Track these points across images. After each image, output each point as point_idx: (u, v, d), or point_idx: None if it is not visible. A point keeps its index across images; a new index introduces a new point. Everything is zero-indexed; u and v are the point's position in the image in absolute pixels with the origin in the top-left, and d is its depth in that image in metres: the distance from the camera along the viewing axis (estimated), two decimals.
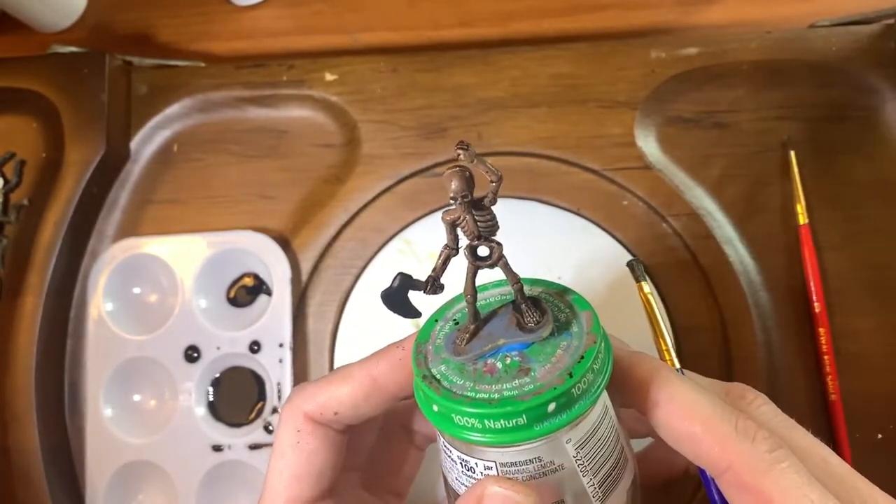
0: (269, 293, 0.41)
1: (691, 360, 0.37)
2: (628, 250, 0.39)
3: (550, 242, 0.39)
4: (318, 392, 0.26)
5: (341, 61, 0.42)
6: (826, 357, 0.37)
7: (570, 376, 0.20)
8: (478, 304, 0.23)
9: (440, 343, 0.23)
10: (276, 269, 0.39)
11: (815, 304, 0.37)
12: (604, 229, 0.39)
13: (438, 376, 0.22)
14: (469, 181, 0.20)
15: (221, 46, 0.48)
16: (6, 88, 0.42)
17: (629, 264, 0.28)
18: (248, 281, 0.41)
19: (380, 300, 0.23)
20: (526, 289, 0.23)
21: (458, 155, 0.19)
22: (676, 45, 0.41)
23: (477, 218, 0.21)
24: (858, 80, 0.40)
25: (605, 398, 0.22)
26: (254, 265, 0.41)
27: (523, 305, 0.22)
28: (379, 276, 0.40)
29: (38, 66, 0.42)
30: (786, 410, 0.37)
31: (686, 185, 0.39)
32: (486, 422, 0.20)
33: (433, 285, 0.22)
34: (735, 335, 0.37)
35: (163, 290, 0.41)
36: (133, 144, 0.42)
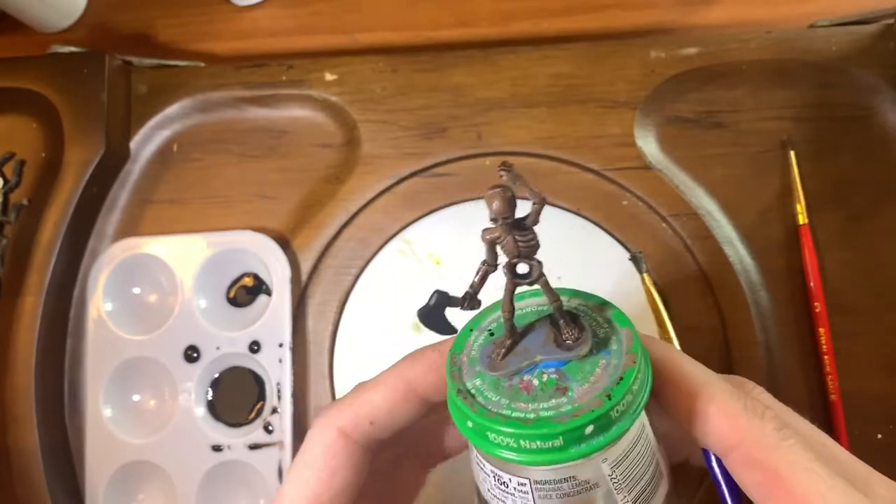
0: (268, 293, 0.41)
1: None
2: (628, 250, 0.39)
3: (550, 242, 0.39)
4: (352, 404, 0.25)
5: (341, 61, 0.42)
6: (826, 357, 0.37)
7: (609, 398, 0.20)
8: (515, 315, 0.23)
9: (475, 355, 0.22)
10: (275, 269, 0.39)
11: (815, 304, 0.37)
12: (604, 229, 0.39)
13: (473, 391, 0.21)
14: (511, 202, 0.19)
15: (221, 46, 0.48)
16: (6, 88, 0.42)
17: (633, 257, 0.28)
18: (248, 281, 0.41)
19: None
20: (564, 301, 0.23)
21: (501, 176, 0.19)
22: (676, 45, 0.41)
23: (518, 238, 0.20)
24: (858, 80, 0.40)
25: (643, 416, 0.22)
26: (254, 265, 0.41)
27: (561, 321, 0.22)
28: (379, 276, 0.40)
29: (38, 66, 0.42)
30: None
31: (686, 185, 0.39)
32: (521, 442, 0.20)
33: (471, 301, 0.22)
34: (735, 335, 0.37)
35: (163, 290, 0.41)
36: (133, 144, 0.42)
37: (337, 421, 0.25)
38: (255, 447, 0.38)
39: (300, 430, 0.38)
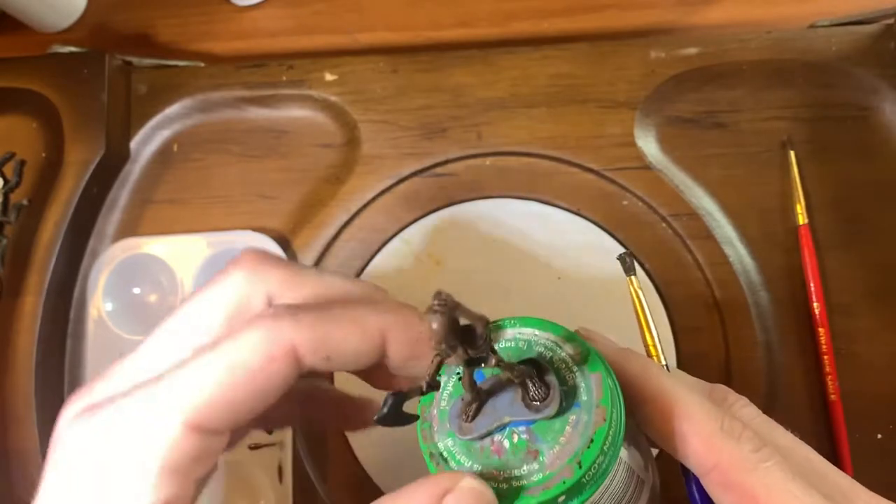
0: None
1: (691, 360, 0.37)
2: (627, 250, 0.39)
3: (550, 242, 0.39)
4: (322, 329, 0.20)
5: (341, 61, 0.42)
6: (826, 357, 0.37)
7: (580, 466, 0.19)
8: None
9: (444, 406, 0.22)
10: None
11: (815, 304, 0.37)
12: (604, 229, 0.39)
13: (445, 454, 0.21)
14: (450, 329, 0.18)
15: (221, 46, 0.48)
16: (6, 88, 0.42)
17: (620, 258, 0.28)
18: None
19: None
20: (533, 338, 0.22)
21: (434, 307, 0.17)
22: (676, 45, 0.41)
23: (469, 350, 0.19)
24: (858, 80, 0.40)
25: (621, 451, 0.21)
26: None
27: (528, 381, 0.21)
28: (379, 276, 0.40)
29: (38, 66, 0.42)
30: (786, 410, 0.37)
31: (686, 185, 0.39)
32: None
33: (429, 388, 0.21)
34: (735, 335, 0.37)
35: (163, 290, 0.41)
36: (133, 144, 0.42)
37: (295, 336, 0.20)
38: (255, 447, 0.38)
39: (300, 431, 0.38)
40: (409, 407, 0.21)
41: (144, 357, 0.22)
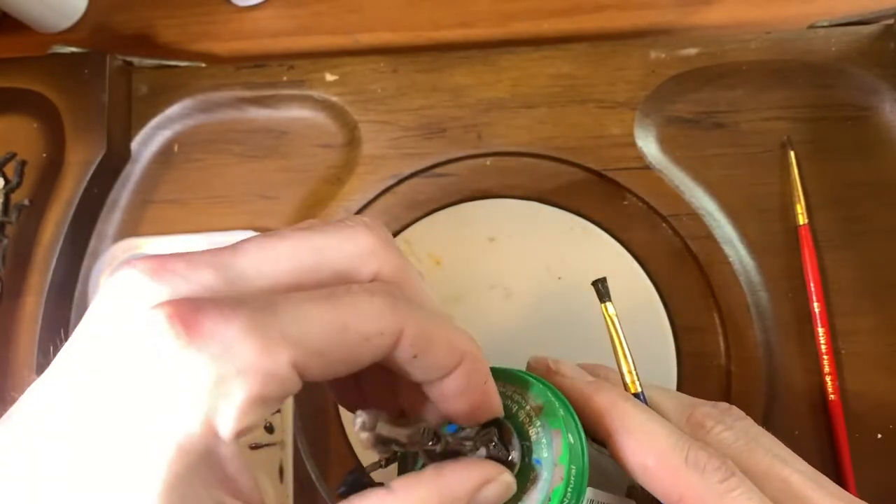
0: None
1: (691, 360, 0.38)
2: (628, 250, 0.39)
3: (550, 242, 0.39)
4: (426, 324, 0.20)
5: (341, 62, 0.42)
6: (826, 357, 0.37)
7: None
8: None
9: (420, 459, 0.22)
10: None
11: (815, 304, 0.37)
12: (604, 229, 0.39)
13: None
14: (378, 439, 0.18)
15: (222, 47, 0.48)
16: (6, 88, 0.42)
17: (594, 284, 0.27)
18: None
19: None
20: (503, 389, 0.23)
21: (357, 428, 0.17)
22: (676, 45, 0.41)
23: (410, 447, 0.19)
24: (858, 80, 0.40)
25: (586, 494, 0.22)
26: None
27: (490, 444, 0.22)
28: None
29: (38, 66, 0.42)
30: (786, 410, 0.37)
31: (686, 185, 0.39)
32: None
33: (388, 462, 0.22)
34: (735, 335, 0.37)
35: None
36: (134, 145, 0.42)
37: (406, 323, 0.19)
38: (255, 447, 0.38)
39: (301, 430, 0.38)
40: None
41: (248, 264, 0.21)
